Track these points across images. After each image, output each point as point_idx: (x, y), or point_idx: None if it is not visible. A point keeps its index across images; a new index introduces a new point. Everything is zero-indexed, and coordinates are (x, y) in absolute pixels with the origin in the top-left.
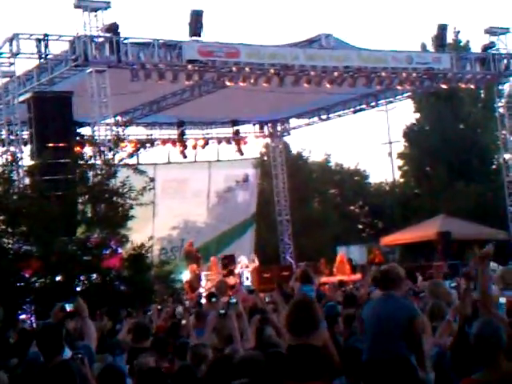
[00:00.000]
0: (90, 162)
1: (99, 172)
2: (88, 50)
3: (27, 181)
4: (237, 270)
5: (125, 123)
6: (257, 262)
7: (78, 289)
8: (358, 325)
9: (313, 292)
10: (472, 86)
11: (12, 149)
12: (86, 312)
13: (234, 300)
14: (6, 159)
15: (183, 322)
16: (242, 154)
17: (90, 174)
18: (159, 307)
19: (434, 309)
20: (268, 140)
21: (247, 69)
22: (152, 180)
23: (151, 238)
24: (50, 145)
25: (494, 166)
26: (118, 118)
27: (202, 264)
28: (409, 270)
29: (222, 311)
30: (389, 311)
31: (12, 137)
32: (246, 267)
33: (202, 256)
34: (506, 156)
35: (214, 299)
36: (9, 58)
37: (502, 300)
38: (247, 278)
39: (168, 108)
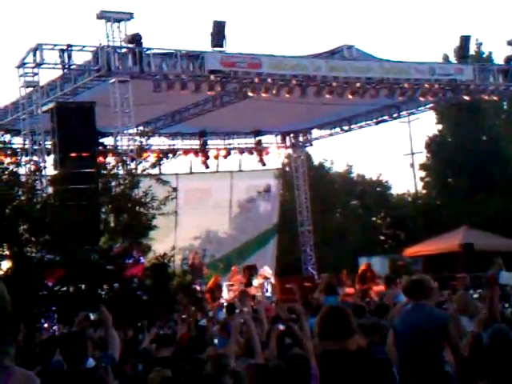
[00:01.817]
0: (112, 172)
1: (122, 182)
2: (111, 61)
3: (50, 190)
4: (258, 281)
5: (147, 133)
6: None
7: (101, 297)
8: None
9: (338, 301)
10: (495, 98)
11: (35, 158)
12: (110, 321)
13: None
14: (30, 169)
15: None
16: (263, 164)
17: (113, 183)
18: (183, 316)
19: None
20: (290, 150)
21: (269, 79)
22: (175, 190)
23: (173, 247)
24: (73, 154)
25: None
26: (141, 128)
27: (206, 276)
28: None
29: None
30: (422, 321)
31: (35, 146)
32: (266, 278)
33: (224, 266)
34: None
35: (235, 311)
36: (32, 68)
37: None
38: (267, 290)
39: (190, 118)
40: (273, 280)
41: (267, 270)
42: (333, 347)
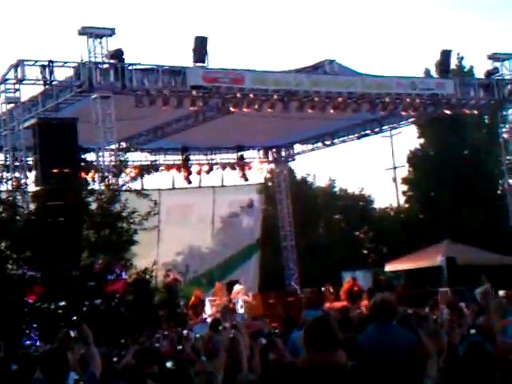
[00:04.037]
0: (93, 188)
1: (103, 197)
2: (93, 77)
3: (32, 206)
4: (234, 298)
5: (129, 149)
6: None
7: (83, 314)
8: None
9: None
10: (476, 112)
11: (17, 175)
12: (90, 339)
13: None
14: (11, 185)
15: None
16: (246, 179)
17: (94, 198)
18: (165, 332)
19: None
20: (272, 165)
21: (251, 95)
22: (156, 204)
23: (155, 263)
24: (55, 171)
25: (498, 192)
26: (123, 143)
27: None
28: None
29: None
30: (391, 340)
31: (17, 163)
32: (240, 295)
33: (207, 281)
34: (511, 181)
35: (219, 327)
36: (14, 84)
37: None
38: (241, 306)
39: (172, 134)
40: (244, 297)
41: (237, 287)
42: (321, 361)
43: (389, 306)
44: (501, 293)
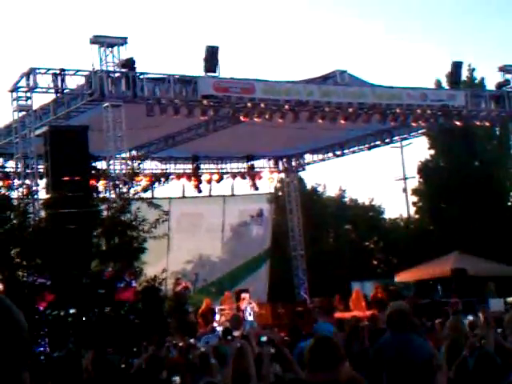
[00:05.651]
0: (104, 196)
1: (113, 205)
2: (104, 85)
3: (43, 214)
4: (242, 306)
5: (140, 157)
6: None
7: (92, 321)
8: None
9: (332, 327)
10: (487, 123)
11: (28, 182)
12: None
13: (265, 338)
14: (22, 192)
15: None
16: (256, 188)
17: (104, 207)
18: (174, 342)
19: (453, 344)
20: (283, 175)
21: (262, 104)
22: (166, 213)
23: (164, 270)
24: (66, 178)
25: (508, 203)
26: (134, 152)
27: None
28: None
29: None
30: (408, 351)
31: (28, 170)
32: (249, 303)
33: (216, 290)
34: None
35: (229, 337)
36: (26, 92)
37: None
38: (250, 314)
39: (183, 143)
40: (255, 306)
41: (247, 296)
42: (321, 379)
43: (404, 315)
44: (509, 299)
